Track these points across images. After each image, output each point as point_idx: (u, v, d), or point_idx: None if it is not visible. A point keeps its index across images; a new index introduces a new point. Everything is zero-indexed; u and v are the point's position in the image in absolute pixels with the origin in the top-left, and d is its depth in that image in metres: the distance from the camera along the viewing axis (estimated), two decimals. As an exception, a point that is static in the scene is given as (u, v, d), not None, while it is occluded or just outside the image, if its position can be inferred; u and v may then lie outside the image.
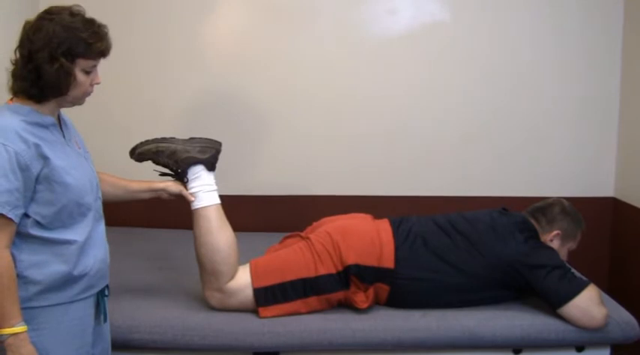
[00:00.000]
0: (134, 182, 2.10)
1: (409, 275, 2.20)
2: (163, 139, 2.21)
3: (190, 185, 2.18)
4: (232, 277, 2.16)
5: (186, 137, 2.28)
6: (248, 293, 2.16)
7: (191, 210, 2.18)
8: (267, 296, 2.15)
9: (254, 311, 2.16)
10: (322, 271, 2.17)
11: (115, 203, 2.06)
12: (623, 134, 3.11)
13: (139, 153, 2.18)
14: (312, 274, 2.17)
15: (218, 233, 2.16)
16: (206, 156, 2.20)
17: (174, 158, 2.17)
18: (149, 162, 2.20)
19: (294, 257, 2.22)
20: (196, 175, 2.18)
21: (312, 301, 2.18)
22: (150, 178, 2.18)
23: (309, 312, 2.18)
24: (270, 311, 2.15)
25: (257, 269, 2.20)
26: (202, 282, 2.19)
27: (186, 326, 2.10)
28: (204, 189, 2.17)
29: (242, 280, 2.17)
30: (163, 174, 2.24)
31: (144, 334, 2.08)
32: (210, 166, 2.21)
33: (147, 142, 2.20)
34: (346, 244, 2.20)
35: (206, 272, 2.16)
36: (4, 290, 1.54)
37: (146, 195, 2.13)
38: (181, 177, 2.18)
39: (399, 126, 3.13)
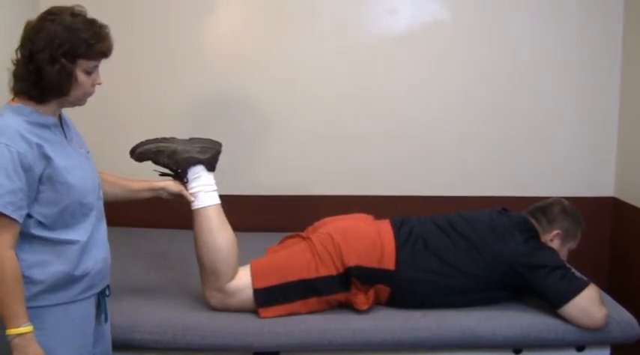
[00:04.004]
0: (134, 181, 2.10)
1: (409, 277, 2.20)
2: (164, 139, 2.22)
3: (190, 185, 2.18)
4: (232, 277, 2.17)
5: (187, 137, 2.28)
6: (248, 294, 2.16)
7: (191, 210, 2.18)
8: (267, 296, 2.15)
9: (254, 312, 2.16)
10: (323, 272, 2.17)
11: (116, 202, 2.06)
12: (623, 134, 3.11)
13: (139, 153, 2.18)
14: (312, 275, 2.17)
15: (218, 232, 2.16)
16: (206, 156, 2.20)
17: (175, 158, 2.17)
18: (149, 162, 2.19)
19: (295, 258, 2.22)
20: (196, 175, 2.18)
21: (313, 302, 2.18)
22: (150, 178, 2.17)
23: (308, 313, 2.18)
24: (269, 311, 2.15)
25: (257, 269, 2.19)
26: (203, 282, 2.19)
27: (186, 326, 2.10)
28: (204, 190, 2.17)
29: (242, 280, 2.17)
30: (163, 174, 2.23)
31: (144, 334, 2.08)
32: (211, 167, 2.21)
33: (147, 142, 2.20)
34: (348, 246, 2.20)
35: (206, 271, 2.16)
36: (10, 291, 1.54)
37: (146, 195, 2.13)
38: (181, 177, 2.18)
39: (399, 126, 3.13)
